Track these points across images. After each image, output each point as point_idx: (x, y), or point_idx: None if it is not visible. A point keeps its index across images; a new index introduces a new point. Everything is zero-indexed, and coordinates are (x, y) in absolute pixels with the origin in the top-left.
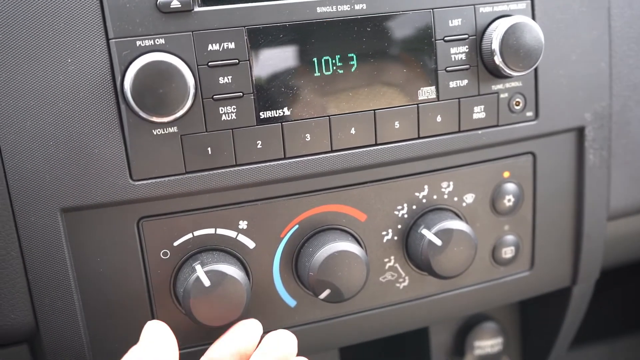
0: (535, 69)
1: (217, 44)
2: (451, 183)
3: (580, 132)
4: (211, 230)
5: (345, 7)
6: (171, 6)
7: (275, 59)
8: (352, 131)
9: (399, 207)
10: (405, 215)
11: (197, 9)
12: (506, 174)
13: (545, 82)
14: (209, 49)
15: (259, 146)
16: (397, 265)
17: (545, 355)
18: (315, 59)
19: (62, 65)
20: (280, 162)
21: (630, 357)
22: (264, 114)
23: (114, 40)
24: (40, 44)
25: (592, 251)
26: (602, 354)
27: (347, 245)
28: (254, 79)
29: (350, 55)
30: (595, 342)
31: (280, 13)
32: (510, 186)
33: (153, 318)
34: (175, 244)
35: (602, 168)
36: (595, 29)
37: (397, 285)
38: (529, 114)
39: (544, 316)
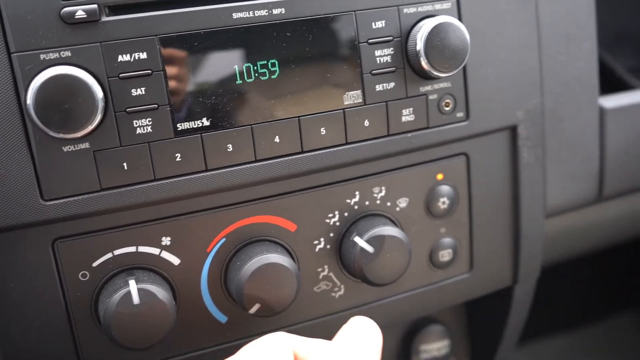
0: (464, 69)
1: (128, 55)
2: (383, 188)
3: (513, 130)
4: (132, 249)
5: (263, 12)
6: (76, 17)
7: (192, 68)
8: (277, 139)
9: (330, 215)
10: (337, 223)
11: (104, 18)
12: (440, 177)
13: (474, 82)
14: (119, 60)
15: (177, 159)
16: (331, 274)
17: (492, 354)
18: (235, 66)
19: None
20: (202, 174)
21: (579, 350)
22: (181, 125)
23: (15, 54)
24: None
25: (531, 250)
26: (555, 347)
27: (276, 257)
28: (169, 89)
29: (272, 61)
30: (547, 336)
31: (194, 20)
32: (445, 188)
33: (74, 343)
34: (95, 264)
35: (537, 166)
36: (523, 26)
37: (333, 294)
38: (460, 114)
39: (488, 316)
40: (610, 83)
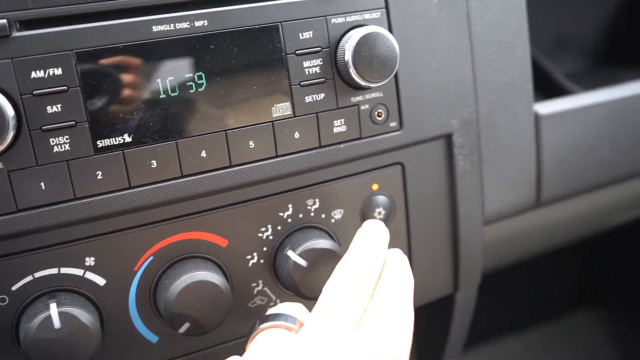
0: (396, 79)
1: (42, 71)
2: (317, 200)
3: (448, 139)
4: (54, 271)
5: (185, 25)
6: None
7: (112, 83)
8: (203, 154)
9: (263, 229)
10: (271, 237)
11: (15, 34)
12: (375, 187)
13: (407, 92)
14: (32, 77)
15: (99, 177)
16: (266, 289)
17: None
18: (159, 80)
19: None
20: (125, 192)
21: (537, 348)
22: (101, 142)
23: None
24: None
25: (470, 257)
26: (512, 347)
27: (205, 275)
28: (87, 106)
29: (198, 74)
30: (504, 336)
31: (112, 34)
32: (381, 198)
33: None
34: (14, 288)
35: (473, 173)
36: (455, 34)
37: (269, 309)
38: (393, 124)
39: (432, 324)
40: (548, 88)
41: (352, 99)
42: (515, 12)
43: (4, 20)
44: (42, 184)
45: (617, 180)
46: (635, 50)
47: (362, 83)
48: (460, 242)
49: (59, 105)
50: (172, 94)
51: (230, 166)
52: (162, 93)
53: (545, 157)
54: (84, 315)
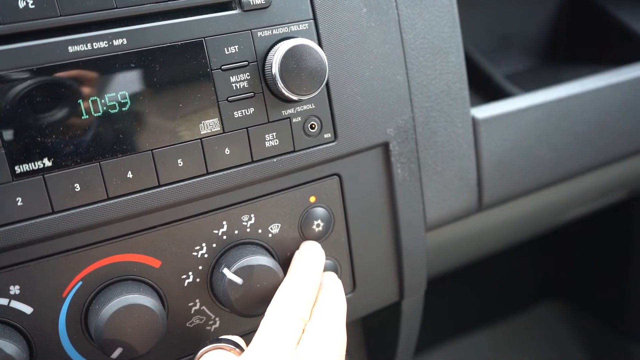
0: (328, 90)
1: None
2: (253, 215)
3: (385, 147)
4: None
5: (103, 44)
6: None
7: (27, 107)
8: (129, 175)
9: (197, 248)
10: (206, 255)
11: None
12: (312, 199)
13: (339, 102)
14: None
15: (19, 203)
16: (204, 307)
17: None
18: (80, 101)
19: None
20: (47, 217)
21: (502, 343)
22: (19, 167)
23: None
24: None
25: (414, 265)
26: (478, 343)
27: (135, 298)
28: (1, 131)
29: (121, 93)
30: (468, 333)
31: (24, 56)
32: (319, 210)
33: None
34: None
35: (412, 181)
36: (386, 43)
37: (208, 327)
38: (327, 135)
39: (381, 332)
40: (488, 91)
41: (283, 112)
42: (447, 17)
43: None
44: None
45: (559, 180)
46: (578, 47)
47: (292, 96)
48: (403, 250)
49: None
50: (94, 114)
51: (159, 186)
52: (84, 114)
53: (484, 161)
54: (9, 347)
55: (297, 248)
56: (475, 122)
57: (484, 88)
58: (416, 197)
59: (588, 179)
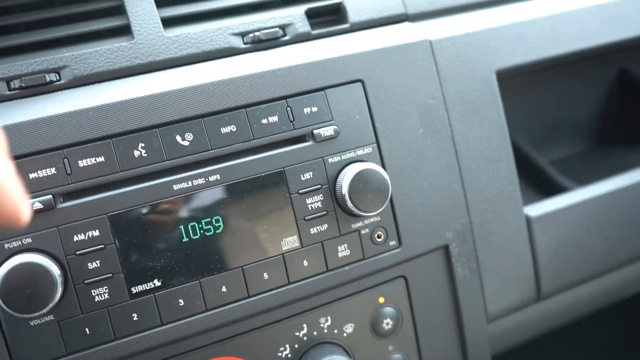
0: (391, 203)
1: (82, 234)
2: (329, 317)
3: (445, 249)
4: None
5: (200, 181)
6: (34, 207)
7: (141, 237)
8: (224, 289)
9: (282, 349)
10: (289, 355)
11: (59, 205)
12: (381, 300)
13: (402, 213)
14: (74, 240)
15: (134, 318)
16: None
17: None
18: (181, 227)
19: None
20: (157, 329)
21: None
22: (135, 289)
23: None
24: None
25: (478, 354)
26: None
27: None
28: (121, 259)
29: (216, 217)
30: None
31: (138, 196)
32: (388, 310)
33: None
34: None
35: (472, 278)
36: (442, 156)
37: None
38: (392, 242)
39: None
40: (540, 183)
41: (352, 225)
42: (496, 129)
43: (49, 196)
44: (86, 329)
45: (613, 269)
46: (627, 129)
47: (360, 213)
48: (467, 342)
49: (97, 261)
50: (193, 237)
51: (249, 297)
52: (184, 237)
53: (540, 255)
54: None
55: (370, 345)
56: (529, 220)
57: (536, 180)
58: (477, 293)
59: None
